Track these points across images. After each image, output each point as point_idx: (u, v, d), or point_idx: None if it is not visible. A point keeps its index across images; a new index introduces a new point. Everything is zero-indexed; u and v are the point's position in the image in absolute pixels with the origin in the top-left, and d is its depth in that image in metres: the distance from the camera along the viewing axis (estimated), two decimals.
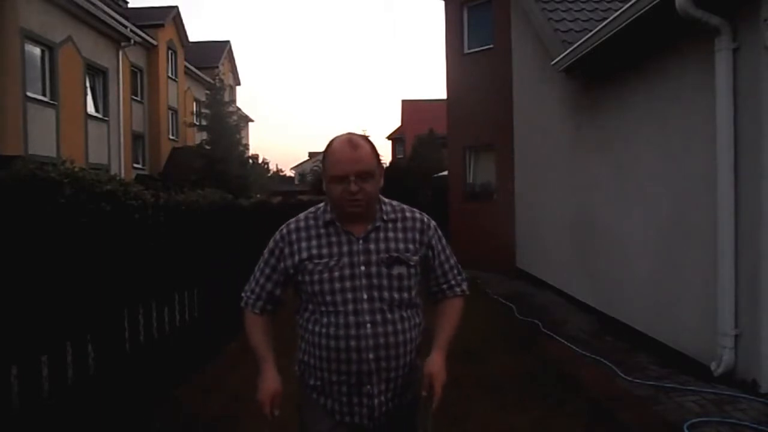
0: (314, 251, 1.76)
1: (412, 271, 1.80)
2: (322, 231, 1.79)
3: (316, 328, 1.76)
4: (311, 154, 56.69)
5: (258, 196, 15.23)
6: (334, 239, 1.77)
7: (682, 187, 4.69)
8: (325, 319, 1.74)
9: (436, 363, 1.77)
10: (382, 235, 1.78)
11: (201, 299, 5.10)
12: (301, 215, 1.86)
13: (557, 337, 5.74)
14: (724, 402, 3.80)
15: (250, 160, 25.11)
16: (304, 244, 1.78)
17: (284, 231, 1.84)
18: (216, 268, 5.47)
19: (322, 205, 1.85)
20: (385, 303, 1.74)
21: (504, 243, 10.37)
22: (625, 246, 5.75)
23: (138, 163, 21.66)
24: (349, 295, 1.72)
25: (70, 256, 3.07)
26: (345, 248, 1.75)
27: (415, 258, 1.81)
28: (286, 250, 1.80)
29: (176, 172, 20.96)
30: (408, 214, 1.86)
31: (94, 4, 15.14)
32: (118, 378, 3.50)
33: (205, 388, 4.34)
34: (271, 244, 1.86)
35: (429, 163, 22.81)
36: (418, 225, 1.85)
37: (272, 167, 43.59)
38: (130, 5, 22.99)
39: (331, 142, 1.75)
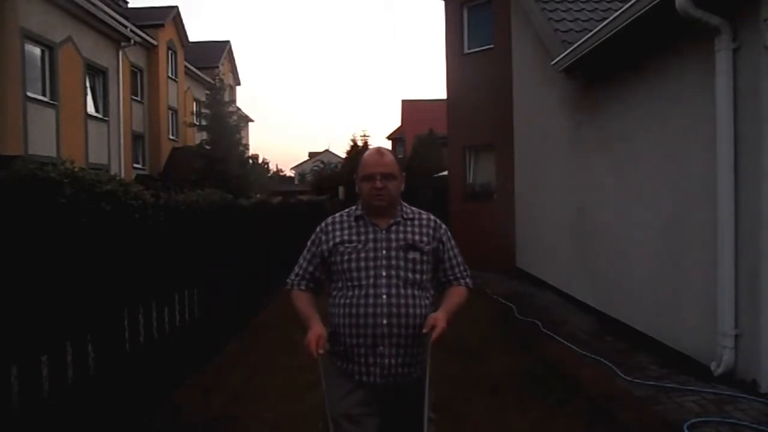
0: (345, 237, 2.18)
1: (425, 258, 2.17)
2: (353, 223, 2.21)
3: (343, 300, 2.13)
4: (311, 154, 56.61)
5: (258, 196, 15.23)
6: (362, 229, 2.18)
7: (682, 187, 4.69)
8: (350, 292, 2.12)
9: (440, 314, 2.09)
10: (401, 228, 2.18)
11: (201, 299, 5.10)
12: (337, 213, 2.29)
13: (557, 337, 5.74)
14: (724, 402, 3.80)
15: (250, 160, 25.04)
16: (338, 233, 2.20)
17: (323, 224, 2.27)
18: (216, 268, 5.47)
19: (354, 206, 2.28)
20: (400, 280, 2.11)
21: (504, 243, 10.37)
22: (625, 246, 5.75)
23: (138, 163, 21.64)
24: (372, 272, 2.11)
25: (70, 256, 3.07)
26: (371, 236, 2.16)
27: (428, 247, 2.18)
28: (323, 237, 2.23)
29: (176, 172, 20.95)
30: (424, 216, 2.27)
31: (94, 4, 15.13)
32: (118, 378, 3.50)
33: (205, 388, 4.34)
34: (313, 236, 2.29)
35: (429, 163, 22.76)
36: (432, 224, 2.25)
37: (272, 167, 43.60)
38: (130, 5, 22.98)
39: (364, 153, 2.26)
